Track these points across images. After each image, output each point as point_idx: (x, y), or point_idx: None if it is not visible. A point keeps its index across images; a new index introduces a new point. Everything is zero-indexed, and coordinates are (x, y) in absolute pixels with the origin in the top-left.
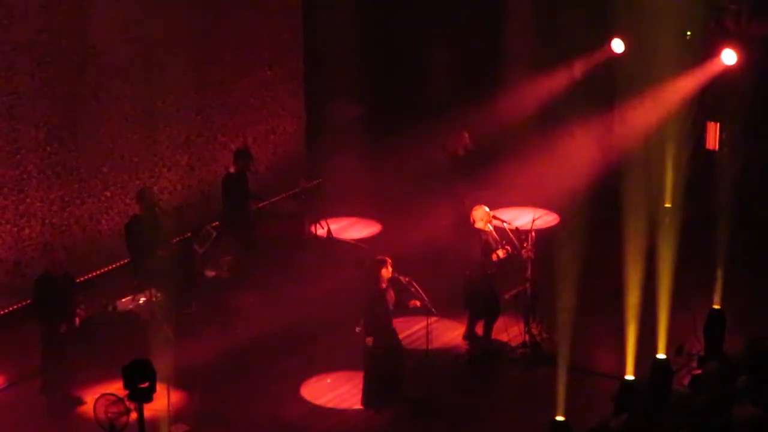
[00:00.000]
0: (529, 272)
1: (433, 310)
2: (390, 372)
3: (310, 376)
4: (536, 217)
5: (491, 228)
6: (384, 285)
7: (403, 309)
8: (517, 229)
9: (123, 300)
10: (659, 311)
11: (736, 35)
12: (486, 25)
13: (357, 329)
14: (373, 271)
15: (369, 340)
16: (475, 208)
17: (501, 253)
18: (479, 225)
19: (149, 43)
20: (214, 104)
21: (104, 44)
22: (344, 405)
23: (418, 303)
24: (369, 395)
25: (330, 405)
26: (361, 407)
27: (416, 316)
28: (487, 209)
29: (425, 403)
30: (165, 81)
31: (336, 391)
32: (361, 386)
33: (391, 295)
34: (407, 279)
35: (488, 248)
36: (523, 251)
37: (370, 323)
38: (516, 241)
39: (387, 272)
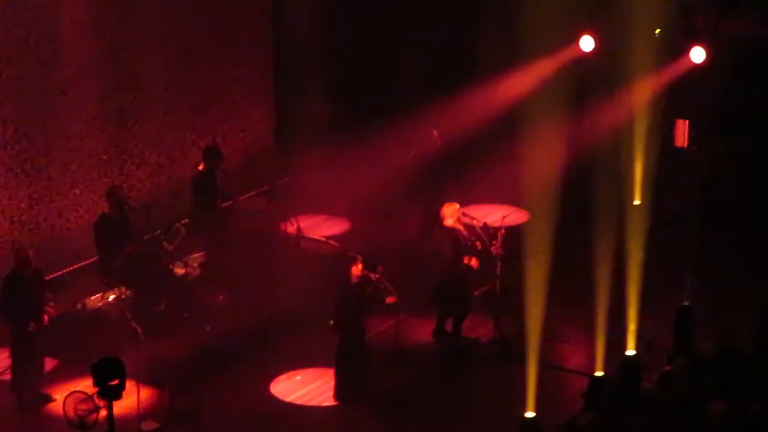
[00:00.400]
0: (498, 269)
1: (401, 306)
2: (357, 368)
3: (281, 373)
4: (506, 214)
5: (460, 227)
6: (354, 282)
7: (380, 305)
8: (486, 224)
9: (92, 298)
10: (629, 308)
11: (705, 33)
12: (456, 23)
13: (330, 323)
14: (343, 268)
15: (338, 336)
16: (445, 205)
17: (474, 262)
18: (449, 222)
19: (118, 41)
20: (183, 102)
21: (73, 42)
22: (314, 402)
23: (394, 299)
24: (341, 391)
25: (300, 402)
26: (331, 404)
27: (385, 314)
28: (457, 206)
29: (395, 401)
30: (134, 79)
31: (306, 387)
32: (331, 383)
33: (364, 292)
34: (377, 276)
35: (458, 246)
36: (493, 248)
37: (340, 320)
38: (486, 239)
39: (357, 269)
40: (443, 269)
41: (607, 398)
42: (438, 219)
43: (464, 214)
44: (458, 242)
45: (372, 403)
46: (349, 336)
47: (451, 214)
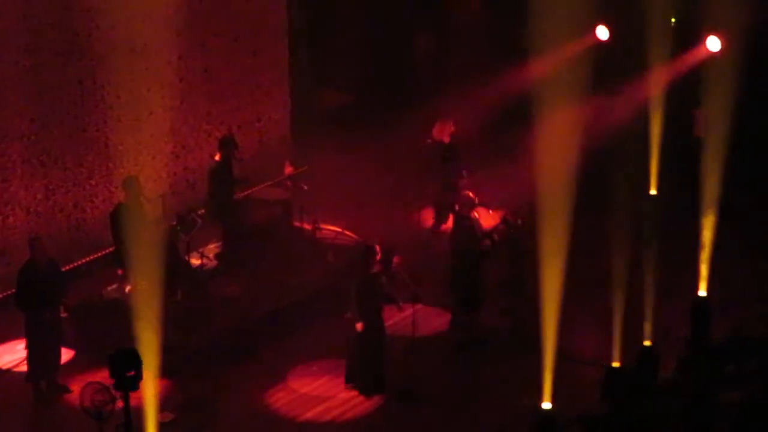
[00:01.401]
0: (515, 258)
1: (420, 296)
2: (372, 355)
3: (297, 364)
4: (522, 203)
5: (477, 215)
6: (373, 271)
7: (400, 296)
8: (504, 215)
9: (109, 288)
10: (646, 298)
11: (721, 22)
12: (472, 13)
13: (347, 316)
14: (362, 258)
15: (359, 326)
16: (460, 194)
17: (488, 241)
18: (464, 211)
19: (134, 31)
20: (198, 92)
21: (89, 32)
22: (330, 393)
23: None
24: (351, 371)
25: (316, 393)
26: (347, 395)
27: (402, 303)
28: (472, 195)
29: (412, 390)
30: (150, 69)
31: (322, 378)
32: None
33: (382, 282)
34: (394, 267)
35: (473, 235)
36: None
37: (360, 310)
38: (503, 228)
39: (375, 259)
40: (458, 259)
41: (624, 388)
42: (453, 207)
43: (480, 204)
44: (473, 232)
45: (388, 392)
46: (368, 326)
47: (466, 203)
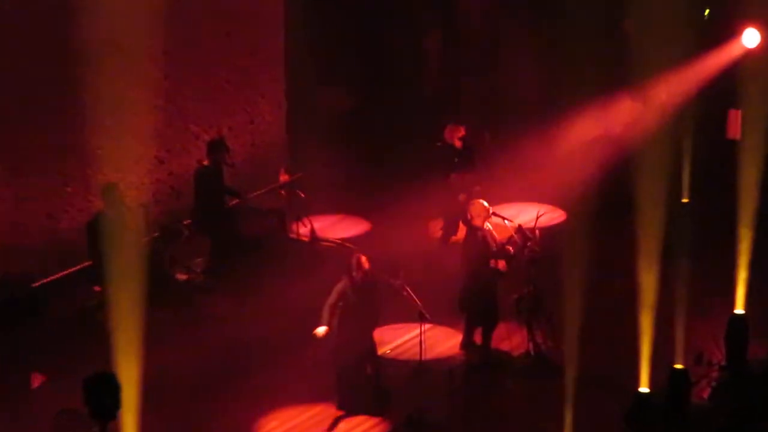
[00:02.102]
0: (532, 274)
1: (427, 316)
2: (358, 373)
3: (293, 390)
4: (540, 213)
5: (490, 226)
6: (357, 281)
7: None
8: (520, 227)
9: (85, 306)
10: (676, 317)
11: (760, 14)
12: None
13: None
14: (347, 265)
15: (320, 331)
16: (472, 203)
17: (501, 264)
18: (477, 222)
19: (115, 24)
20: (186, 92)
21: (66, 28)
22: (326, 423)
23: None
24: (341, 396)
25: (311, 423)
26: (346, 424)
27: (409, 323)
28: (485, 204)
29: (419, 419)
30: (133, 66)
31: (324, 403)
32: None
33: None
34: (399, 282)
35: (487, 248)
36: (527, 251)
37: (328, 317)
38: (519, 240)
39: (358, 266)
40: (470, 274)
41: (653, 417)
42: (465, 219)
43: (495, 214)
44: (486, 244)
45: (393, 420)
46: (343, 338)
47: (479, 212)
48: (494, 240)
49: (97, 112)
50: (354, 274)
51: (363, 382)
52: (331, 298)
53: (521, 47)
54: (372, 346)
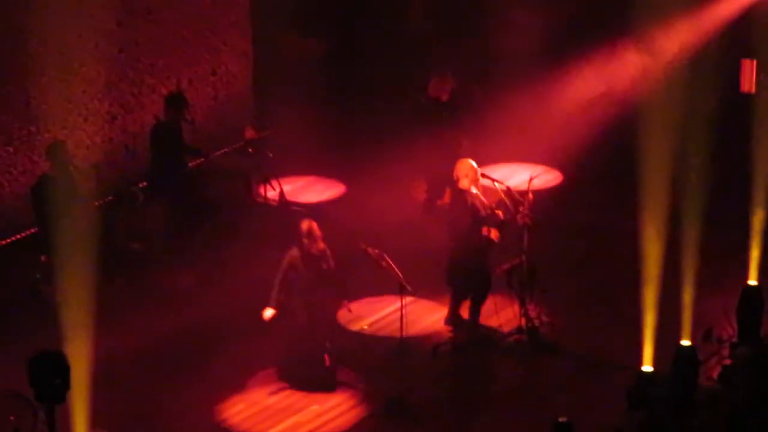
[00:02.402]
0: (525, 243)
1: (409, 288)
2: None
3: (259, 370)
4: (534, 175)
5: (477, 190)
6: (307, 251)
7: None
8: (509, 189)
9: (30, 278)
10: (683, 290)
11: None
12: None
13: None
14: (297, 233)
15: (264, 316)
16: (459, 163)
17: (494, 234)
18: (464, 184)
19: None
20: (141, 39)
21: None
22: (299, 405)
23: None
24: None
25: (282, 405)
26: (320, 406)
27: (388, 296)
28: (474, 165)
29: (400, 401)
30: (81, 11)
31: (290, 388)
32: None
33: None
34: (377, 251)
35: (475, 214)
36: (519, 217)
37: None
38: (510, 205)
39: (311, 233)
40: (457, 242)
41: (657, 397)
42: (451, 180)
43: (483, 176)
44: (475, 209)
45: (371, 404)
46: (298, 311)
47: (466, 173)
48: (483, 204)
49: (41, 63)
50: (305, 242)
51: (316, 358)
52: (279, 273)
53: None
54: (332, 322)
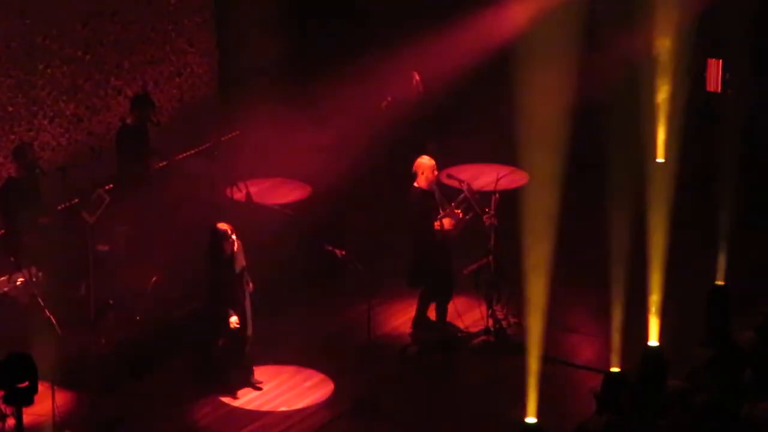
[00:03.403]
0: (492, 242)
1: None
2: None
3: (228, 371)
4: (501, 175)
5: (436, 187)
6: (226, 256)
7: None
8: (471, 188)
9: None
10: (650, 289)
11: None
12: None
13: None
14: (211, 242)
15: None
16: (417, 160)
17: (446, 222)
18: (419, 181)
19: None
20: (106, 40)
21: None
22: (268, 407)
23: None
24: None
25: (250, 407)
26: (289, 409)
27: (354, 298)
28: (430, 162)
29: (368, 403)
30: (45, 12)
31: (257, 390)
32: (289, 384)
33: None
34: (342, 252)
35: (428, 208)
36: (485, 217)
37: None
38: (476, 205)
39: (229, 244)
40: (417, 241)
41: (625, 398)
42: (411, 178)
43: (450, 176)
44: (430, 206)
45: (339, 406)
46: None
47: (422, 169)
48: (441, 203)
49: (5, 65)
50: (224, 251)
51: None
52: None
53: None
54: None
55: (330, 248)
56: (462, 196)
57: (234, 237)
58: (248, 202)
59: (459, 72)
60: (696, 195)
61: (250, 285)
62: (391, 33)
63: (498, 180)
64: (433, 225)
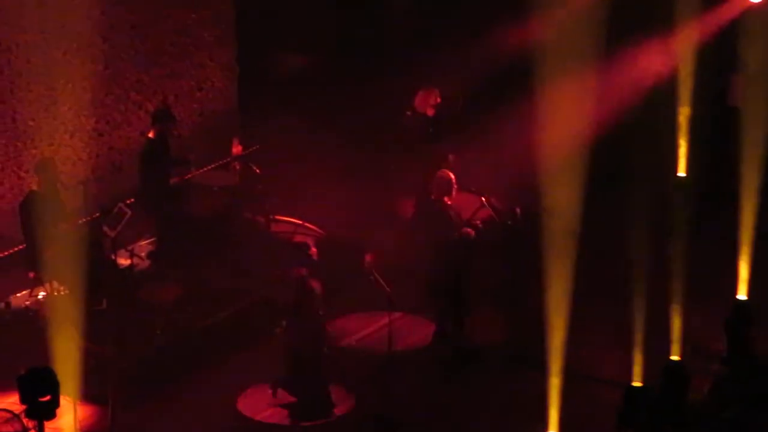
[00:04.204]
0: (512, 255)
1: (396, 303)
2: (309, 373)
3: (248, 385)
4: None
5: (453, 201)
6: (304, 273)
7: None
8: (489, 199)
9: (18, 295)
10: (672, 304)
11: None
12: None
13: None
14: (291, 257)
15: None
16: (437, 175)
17: (467, 230)
18: (438, 195)
19: None
20: (126, 55)
21: None
22: (288, 421)
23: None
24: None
25: (272, 420)
26: (311, 423)
27: (377, 312)
28: (449, 176)
29: (388, 417)
30: (65, 27)
31: (280, 402)
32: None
33: (313, 287)
34: (366, 266)
35: (449, 223)
36: (504, 230)
37: (293, 318)
38: (495, 216)
39: (307, 258)
40: (436, 254)
41: (646, 413)
42: (429, 192)
43: (468, 189)
44: (449, 220)
45: (360, 418)
46: (302, 339)
47: (440, 184)
48: (458, 216)
49: (27, 79)
50: (303, 267)
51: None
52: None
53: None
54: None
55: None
56: (480, 206)
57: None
58: (269, 218)
59: (478, 85)
60: (718, 209)
61: None
62: (410, 48)
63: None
64: (453, 238)
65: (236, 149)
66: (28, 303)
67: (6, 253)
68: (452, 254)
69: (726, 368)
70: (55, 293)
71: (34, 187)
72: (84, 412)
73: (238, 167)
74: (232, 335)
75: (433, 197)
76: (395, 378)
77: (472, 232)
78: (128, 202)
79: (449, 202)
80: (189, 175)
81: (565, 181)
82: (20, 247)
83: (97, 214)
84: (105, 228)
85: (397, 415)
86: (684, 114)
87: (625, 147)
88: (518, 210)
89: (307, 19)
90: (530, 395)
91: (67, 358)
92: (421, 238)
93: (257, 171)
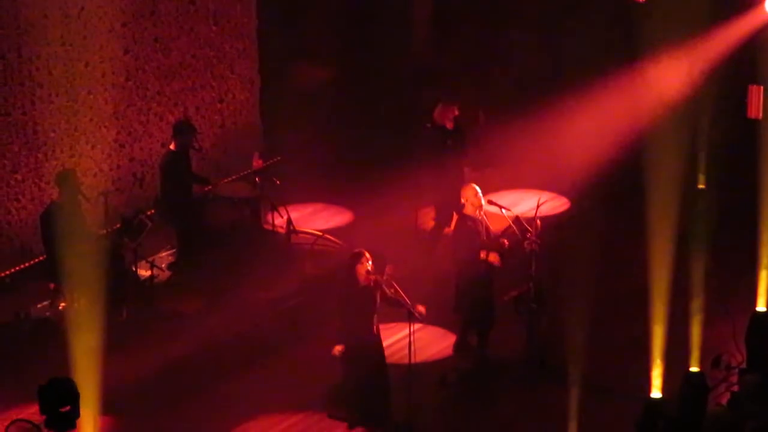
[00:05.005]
0: (533, 269)
1: (417, 315)
2: (372, 383)
3: (270, 396)
4: (541, 201)
5: (483, 215)
6: (362, 283)
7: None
8: (517, 217)
9: (38, 306)
10: (692, 316)
11: None
12: None
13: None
14: (348, 267)
15: (337, 350)
16: (464, 188)
17: (492, 257)
18: (468, 210)
19: None
20: (147, 67)
21: None
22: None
23: (421, 309)
24: (351, 408)
25: (295, 431)
26: None
27: (397, 323)
28: (477, 190)
29: (412, 428)
30: (88, 39)
31: (303, 413)
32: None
33: (374, 296)
34: (385, 277)
35: (477, 239)
36: (526, 243)
37: (342, 328)
38: (517, 232)
39: (363, 268)
40: (462, 269)
41: (666, 425)
42: (457, 206)
43: (491, 202)
44: (477, 235)
45: (379, 431)
46: (354, 347)
47: (469, 199)
48: (487, 230)
49: (49, 91)
50: (360, 281)
51: (374, 390)
52: (341, 311)
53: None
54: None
55: (372, 273)
56: (507, 226)
57: (369, 263)
58: (289, 229)
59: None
60: (737, 221)
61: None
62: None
63: (539, 206)
64: (478, 253)
65: (257, 163)
66: (48, 314)
67: (27, 264)
68: (478, 269)
69: (745, 379)
70: (75, 304)
71: (55, 199)
72: (104, 422)
73: (258, 179)
74: (252, 346)
75: (463, 212)
76: (416, 390)
77: (507, 243)
78: (149, 213)
79: (479, 217)
80: (209, 188)
81: (587, 194)
82: (41, 258)
83: (118, 226)
84: (126, 239)
85: (416, 425)
86: (705, 126)
87: (645, 160)
88: (538, 223)
89: (329, 32)
90: (550, 408)
91: (87, 369)
92: (461, 252)
93: (277, 182)
